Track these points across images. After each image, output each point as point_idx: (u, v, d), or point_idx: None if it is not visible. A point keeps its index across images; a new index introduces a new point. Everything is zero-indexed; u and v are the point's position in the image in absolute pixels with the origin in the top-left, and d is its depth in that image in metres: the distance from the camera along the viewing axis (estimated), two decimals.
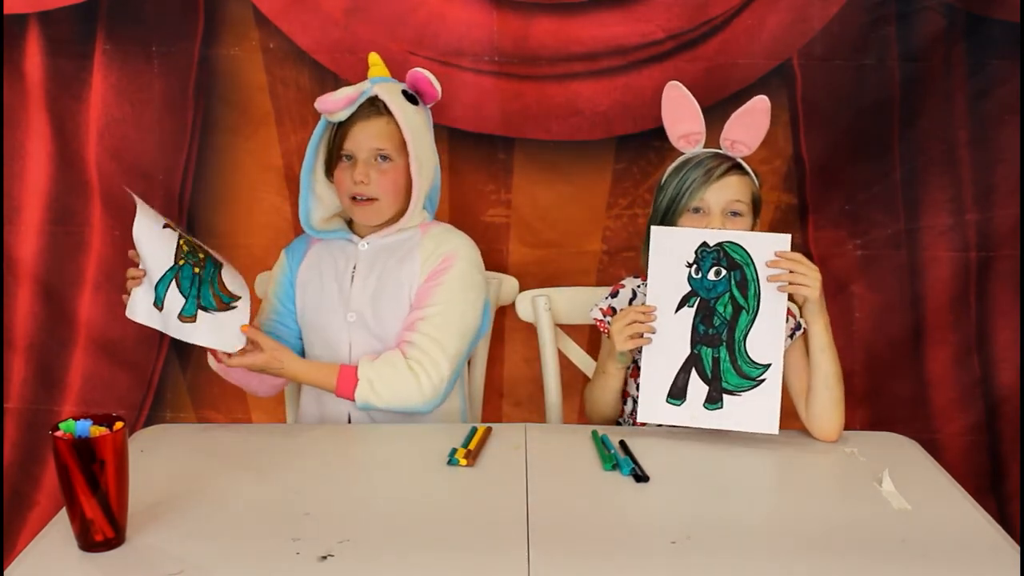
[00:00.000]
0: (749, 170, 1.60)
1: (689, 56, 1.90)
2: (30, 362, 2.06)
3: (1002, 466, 2.02)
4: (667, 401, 1.43)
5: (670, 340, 1.46)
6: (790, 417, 2.00)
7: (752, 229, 1.60)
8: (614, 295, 1.65)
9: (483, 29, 1.89)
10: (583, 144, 1.95)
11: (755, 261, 1.46)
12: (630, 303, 1.64)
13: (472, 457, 1.39)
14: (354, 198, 1.62)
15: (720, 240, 1.47)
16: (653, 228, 1.49)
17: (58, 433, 1.10)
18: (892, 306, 1.99)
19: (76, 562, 1.11)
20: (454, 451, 1.40)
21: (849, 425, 2.01)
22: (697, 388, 1.43)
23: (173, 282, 1.48)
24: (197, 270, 1.49)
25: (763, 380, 1.44)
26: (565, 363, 1.81)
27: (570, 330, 1.82)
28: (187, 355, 2.07)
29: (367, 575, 1.09)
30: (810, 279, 1.44)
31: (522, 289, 1.82)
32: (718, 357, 1.45)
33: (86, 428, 1.11)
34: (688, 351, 1.45)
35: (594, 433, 1.49)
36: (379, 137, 1.61)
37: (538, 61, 1.91)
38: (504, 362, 1.96)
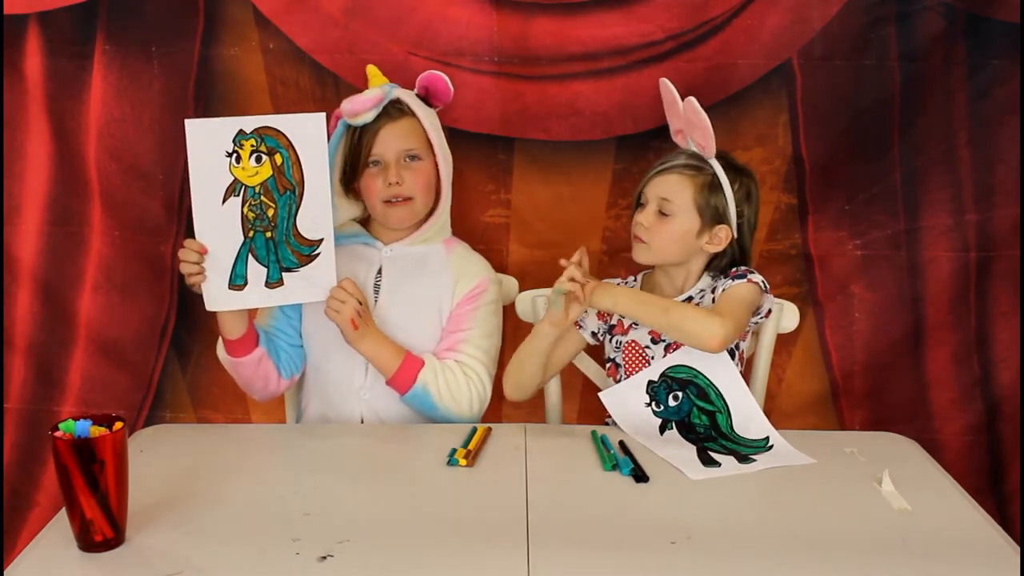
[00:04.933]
0: (718, 173, 1.58)
1: (689, 56, 1.90)
2: (30, 362, 2.06)
3: (1002, 466, 2.02)
4: (704, 468, 1.40)
5: (674, 446, 1.45)
6: (790, 417, 2.01)
7: (703, 235, 1.59)
8: None
9: (483, 29, 1.89)
10: (583, 144, 1.95)
11: (700, 369, 1.52)
12: None
13: (472, 457, 1.39)
14: (388, 201, 1.64)
15: (660, 371, 1.53)
16: (601, 394, 1.56)
17: (58, 433, 1.11)
18: (892, 306, 1.98)
19: (76, 562, 1.11)
20: (454, 451, 1.40)
21: (849, 425, 2.02)
22: (725, 459, 1.41)
23: (249, 255, 1.49)
24: (269, 235, 1.49)
25: (771, 445, 1.45)
26: None
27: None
28: (187, 355, 2.07)
29: (367, 575, 1.09)
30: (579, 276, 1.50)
31: (522, 289, 1.82)
32: (723, 444, 1.46)
33: (86, 428, 1.11)
34: (695, 447, 1.45)
35: (594, 433, 1.49)
36: (407, 137, 1.64)
37: (538, 61, 1.91)
38: (504, 362, 1.96)
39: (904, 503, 1.25)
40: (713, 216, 1.58)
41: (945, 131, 1.91)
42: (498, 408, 2.03)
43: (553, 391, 1.79)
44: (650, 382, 1.53)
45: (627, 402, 1.53)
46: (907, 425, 1.89)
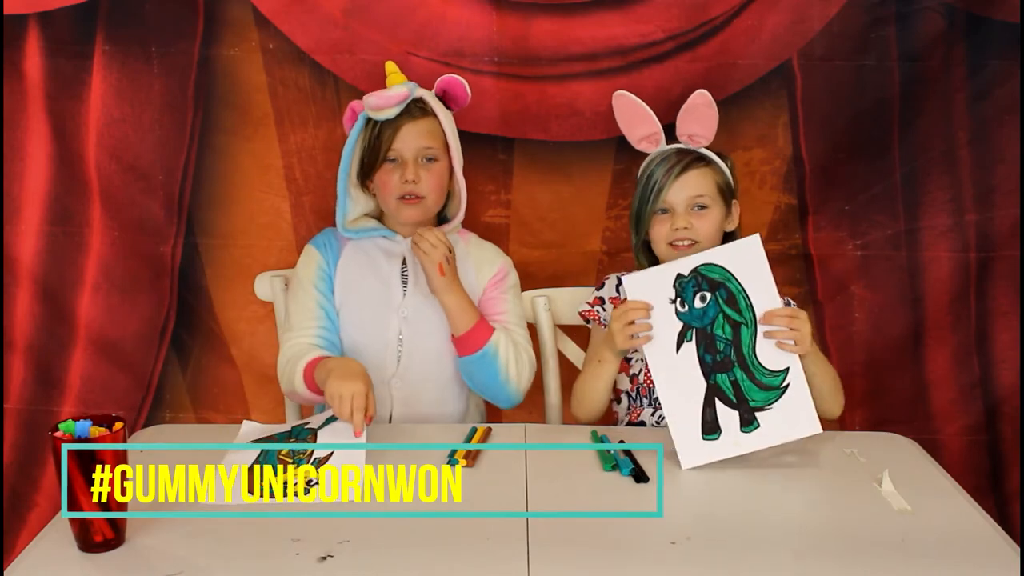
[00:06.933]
0: (715, 158, 1.63)
1: (689, 56, 1.90)
2: (29, 363, 2.05)
3: (1002, 466, 2.02)
4: (704, 439, 1.38)
5: (683, 379, 1.42)
6: None
7: (727, 217, 1.64)
8: (600, 287, 1.71)
9: (483, 29, 1.89)
10: (583, 144, 1.95)
11: (734, 273, 1.43)
12: (616, 289, 1.69)
13: (472, 457, 1.39)
14: (402, 197, 1.65)
15: (692, 265, 1.44)
16: (624, 280, 1.49)
17: (58, 433, 1.11)
18: (892, 306, 1.98)
19: (76, 562, 1.11)
20: (454, 451, 1.40)
21: (849, 425, 2.02)
22: (728, 416, 1.39)
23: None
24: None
25: (787, 386, 1.40)
26: (565, 363, 1.81)
27: (570, 330, 1.82)
28: (187, 355, 2.07)
29: (367, 575, 1.09)
30: (802, 331, 1.41)
31: (522, 289, 1.82)
32: (736, 379, 1.41)
33: (86, 428, 1.11)
34: (704, 384, 1.41)
35: (594, 433, 1.49)
36: (427, 136, 1.65)
37: (538, 61, 1.91)
38: None
39: (904, 503, 1.25)
40: (728, 196, 1.64)
41: (945, 131, 1.91)
42: (498, 408, 2.03)
43: (553, 391, 1.79)
44: (679, 275, 1.44)
45: (649, 292, 1.44)
46: (907, 425, 1.89)
